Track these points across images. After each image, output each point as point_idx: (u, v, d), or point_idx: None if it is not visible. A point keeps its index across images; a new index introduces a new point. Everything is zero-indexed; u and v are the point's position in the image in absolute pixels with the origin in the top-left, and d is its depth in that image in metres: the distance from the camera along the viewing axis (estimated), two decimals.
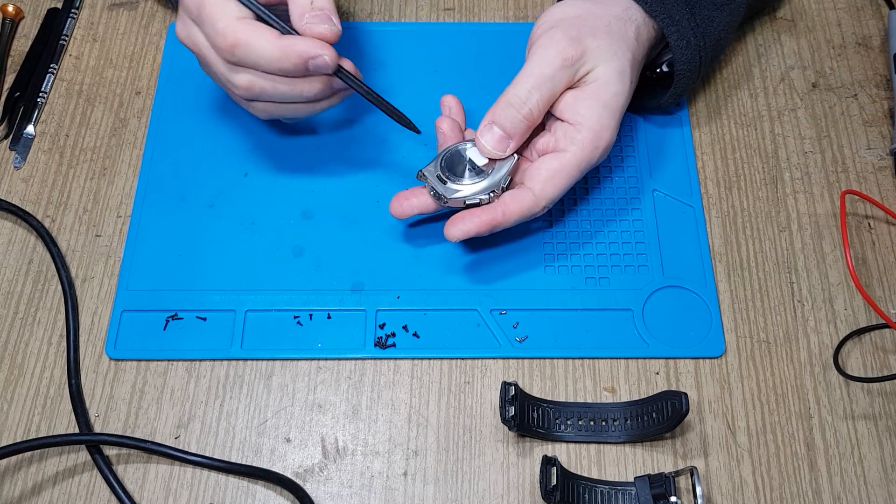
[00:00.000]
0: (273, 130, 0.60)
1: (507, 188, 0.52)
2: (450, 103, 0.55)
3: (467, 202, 0.51)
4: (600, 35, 0.51)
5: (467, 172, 0.51)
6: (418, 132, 0.53)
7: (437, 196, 0.51)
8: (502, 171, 0.51)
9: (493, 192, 0.51)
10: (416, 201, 0.53)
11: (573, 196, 0.57)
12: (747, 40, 0.64)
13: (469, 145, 0.52)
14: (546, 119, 0.53)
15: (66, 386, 0.51)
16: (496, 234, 0.55)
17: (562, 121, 0.51)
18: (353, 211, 0.57)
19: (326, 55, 0.47)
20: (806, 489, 0.48)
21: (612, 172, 0.58)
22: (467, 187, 0.51)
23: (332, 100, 0.53)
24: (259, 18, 0.48)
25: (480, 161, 0.51)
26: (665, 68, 0.56)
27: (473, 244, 0.55)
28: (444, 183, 0.51)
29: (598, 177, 0.58)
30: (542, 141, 0.53)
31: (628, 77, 0.51)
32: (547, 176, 0.50)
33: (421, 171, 0.52)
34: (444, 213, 0.54)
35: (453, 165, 0.52)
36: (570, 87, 0.51)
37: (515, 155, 0.52)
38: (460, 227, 0.50)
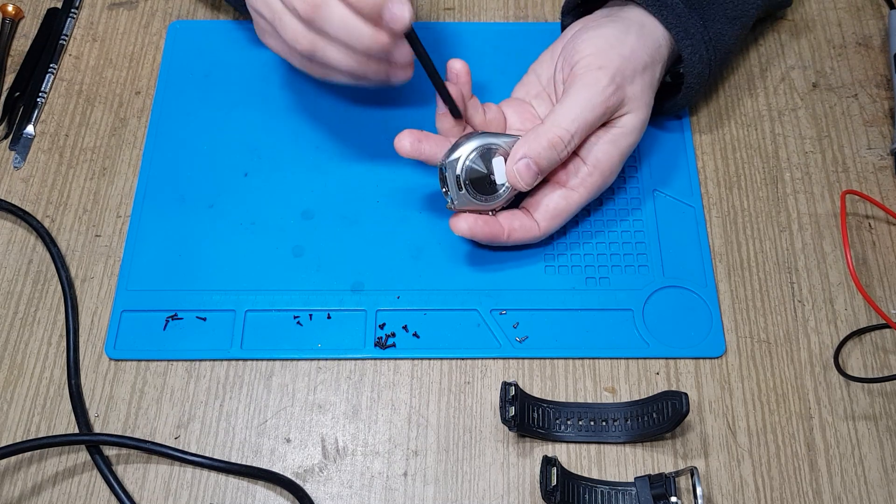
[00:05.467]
0: (273, 130, 0.60)
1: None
2: (458, 69, 0.52)
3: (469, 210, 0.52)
4: (637, 81, 0.51)
5: (484, 186, 0.51)
6: (460, 117, 0.51)
7: (447, 194, 0.51)
8: (510, 194, 0.52)
9: (493, 210, 0.52)
10: (427, 148, 0.51)
11: None
12: (748, 40, 0.64)
13: (494, 147, 0.51)
14: None
15: (66, 386, 0.51)
16: None
17: (576, 154, 0.52)
18: (353, 211, 0.57)
19: (406, 9, 0.46)
20: (806, 489, 0.48)
21: None
22: (477, 201, 0.51)
23: (380, 69, 0.50)
24: None
25: (501, 180, 0.51)
26: (668, 79, 0.57)
27: (474, 243, 0.55)
28: (460, 189, 0.51)
29: None
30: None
31: (645, 125, 0.53)
32: (554, 214, 0.52)
33: (444, 163, 0.51)
34: (441, 201, 0.54)
35: (474, 171, 0.51)
36: None
37: None
38: (469, 226, 0.51)
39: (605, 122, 0.51)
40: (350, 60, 0.48)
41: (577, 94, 0.50)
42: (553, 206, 0.52)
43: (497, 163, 0.51)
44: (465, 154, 0.51)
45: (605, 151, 0.51)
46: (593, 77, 0.50)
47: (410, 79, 0.52)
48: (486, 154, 0.51)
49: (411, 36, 0.48)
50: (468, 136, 0.51)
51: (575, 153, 0.52)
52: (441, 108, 0.52)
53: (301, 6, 0.46)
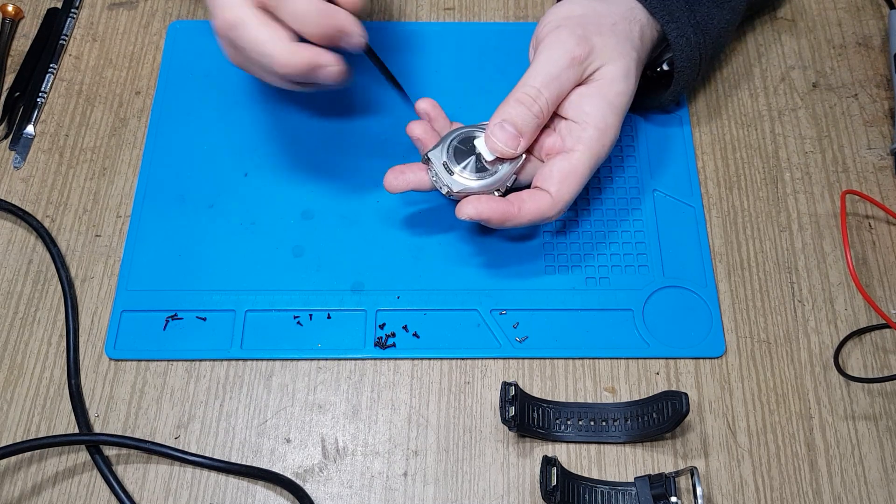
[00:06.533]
0: (273, 131, 0.60)
1: (513, 188, 0.51)
2: (424, 108, 0.53)
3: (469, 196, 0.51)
4: (606, 34, 0.51)
5: (473, 165, 0.50)
6: (410, 102, 0.51)
7: (440, 185, 0.50)
8: (508, 168, 0.50)
9: (497, 190, 0.51)
10: (412, 177, 0.52)
11: None
12: (747, 40, 0.64)
13: (478, 133, 0.51)
14: (551, 119, 0.53)
15: (66, 386, 0.51)
16: (497, 233, 0.55)
17: (566, 119, 0.51)
18: (353, 211, 0.57)
19: (333, 66, 0.46)
20: (806, 489, 0.48)
21: (612, 172, 0.58)
22: (472, 182, 0.50)
23: (310, 78, 0.49)
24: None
25: (489, 157, 0.50)
26: (665, 67, 0.56)
27: (475, 240, 0.55)
28: (451, 174, 0.50)
29: (598, 177, 0.58)
30: (549, 141, 0.52)
31: (633, 77, 0.51)
32: (560, 177, 0.50)
33: (426, 155, 0.51)
34: (441, 200, 0.54)
35: (460, 154, 0.51)
36: (576, 85, 0.51)
37: (522, 154, 0.52)
38: (475, 207, 0.49)
39: (583, 78, 0.51)
40: (275, 79, 0.47)
41: (540, 54, 0.50)
42: (557, 169, 0.50)
43: (479, 142, 0.51)
44: (448, 140, 0.51)
45: (593, 104, 0.50)
46: (554, 36, 0.50)
47: (347, 77, 0.49)
48: (467, 139, 0.51)
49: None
50: (452, 131, 0.52)
51: (563, 117, 0.51)
52: (422, 117, 0.52)
53: (219, 24, 0.45)
